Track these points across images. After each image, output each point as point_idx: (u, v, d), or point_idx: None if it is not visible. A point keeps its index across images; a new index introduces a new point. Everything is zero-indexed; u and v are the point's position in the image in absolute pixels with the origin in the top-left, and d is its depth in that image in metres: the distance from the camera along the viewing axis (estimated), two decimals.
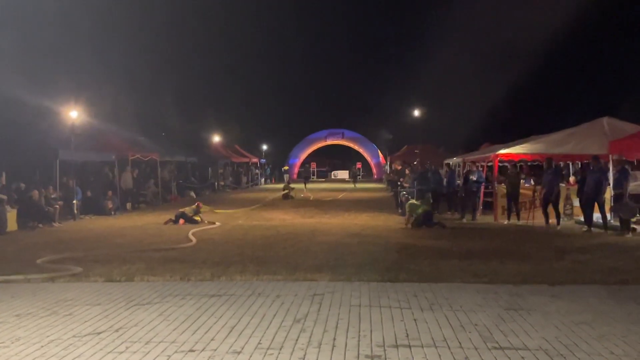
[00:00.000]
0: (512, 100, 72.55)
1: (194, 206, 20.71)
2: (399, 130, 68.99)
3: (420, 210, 18.17)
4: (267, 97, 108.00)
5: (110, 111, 37.31)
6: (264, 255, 12.40)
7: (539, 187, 19.26)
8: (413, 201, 19.07)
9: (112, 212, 23.83)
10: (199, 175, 41.98)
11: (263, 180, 59.49)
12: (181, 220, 19.62)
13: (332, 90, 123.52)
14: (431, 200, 21.17)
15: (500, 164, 21.85)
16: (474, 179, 21.02)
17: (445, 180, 24.66)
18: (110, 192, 24.80)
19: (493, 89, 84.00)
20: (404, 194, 21.31)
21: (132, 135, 32.88)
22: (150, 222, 20.52)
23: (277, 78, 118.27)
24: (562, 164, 23.25)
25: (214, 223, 19.49)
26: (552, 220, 18.15)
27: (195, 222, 19.65)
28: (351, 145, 74.95)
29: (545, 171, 18.44)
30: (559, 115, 64.61)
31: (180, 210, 20.41)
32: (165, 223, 19.58)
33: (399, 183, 25.71)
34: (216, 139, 50.63)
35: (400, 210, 21.86)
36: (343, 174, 70.46)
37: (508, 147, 21.47)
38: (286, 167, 67.66)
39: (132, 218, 22.40)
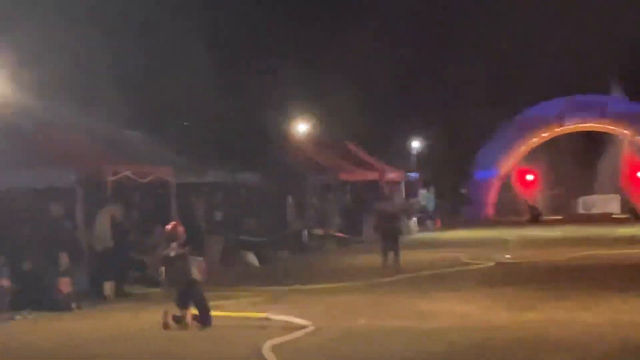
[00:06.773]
0: None
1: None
2: None
3: None
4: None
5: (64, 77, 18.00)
6: None
7: None
8: None
9: (72, 305, 11.41)
10: (265, 215, 19.84)
11: (414, 222, 26.70)
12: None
13: None
14: None
15: None
16: None
17: None
18: (65, 257, 11.71)
19: None
20: None
21: (114, 131, 16.68)
22: (154, 331, 9.44)
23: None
24: None
25: (292, 330, 8.91)
26: None
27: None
28: (619, 130, 33.21)
29: None
30: None
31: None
32: (165, 325, 9.39)
33: None
34: (299, 129, 24.87)
35: None
36: (608, 204, 32.53)
37: None
38: (464, 190, 33.70)
39: (117, 319, 10.66)
